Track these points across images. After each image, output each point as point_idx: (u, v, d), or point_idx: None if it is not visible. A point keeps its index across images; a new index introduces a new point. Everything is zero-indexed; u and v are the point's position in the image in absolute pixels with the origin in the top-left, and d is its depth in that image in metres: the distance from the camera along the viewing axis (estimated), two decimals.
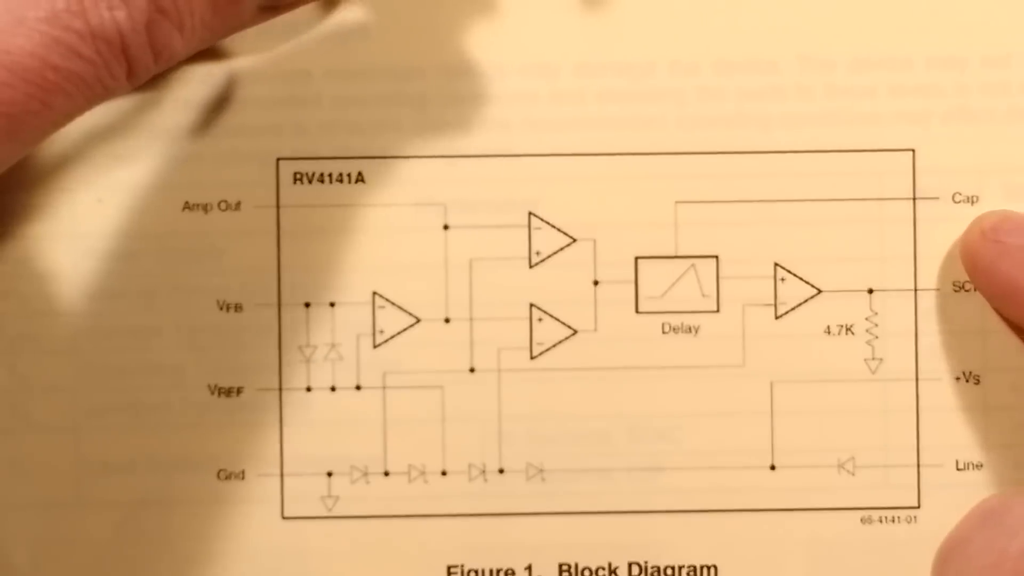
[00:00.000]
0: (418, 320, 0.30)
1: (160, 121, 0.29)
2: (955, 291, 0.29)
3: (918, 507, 0.30)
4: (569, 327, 0.30)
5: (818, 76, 0.29)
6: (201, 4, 0.25)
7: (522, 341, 0.30)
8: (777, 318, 0.30)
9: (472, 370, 0.30)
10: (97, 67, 0.24)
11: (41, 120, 0.24)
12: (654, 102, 0.29)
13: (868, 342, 0.30)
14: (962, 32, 0.29)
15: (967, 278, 0.29)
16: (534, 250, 0.30)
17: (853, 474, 0.30)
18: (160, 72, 0.25)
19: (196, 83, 0.29)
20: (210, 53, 0.29)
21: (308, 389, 0.29)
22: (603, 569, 0.30)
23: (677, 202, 0.30)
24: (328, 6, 0.29)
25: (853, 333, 0.30)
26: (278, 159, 0.29)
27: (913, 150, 0.30)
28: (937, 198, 0.30)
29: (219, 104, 0.29)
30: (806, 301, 0.30)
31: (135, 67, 0.25)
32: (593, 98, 0.29)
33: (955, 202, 0.29)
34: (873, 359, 0.30)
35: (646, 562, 0.30)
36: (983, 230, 0.29)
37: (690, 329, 0.30)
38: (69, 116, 0.25)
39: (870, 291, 0.30)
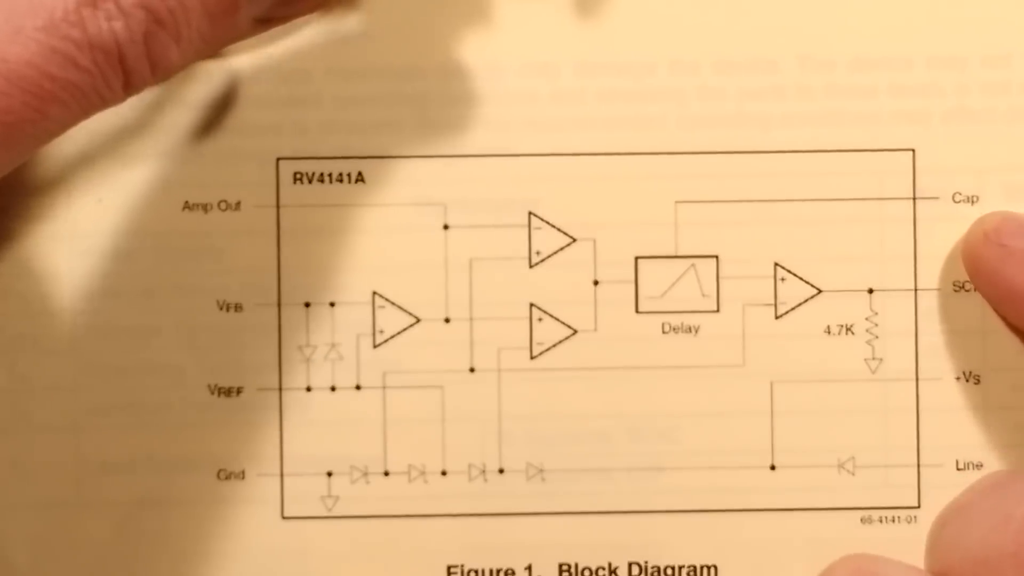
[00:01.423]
0: (418, 320, 0.29)
1: (160, 121, 0.29)
2: (955, 291, 0.29)
3: (918, 507, 0.29)
4: (569, 327, 0.29)
5: (818, 76, 0.29)
6: (198, 16, 0.25)
7: (522, 341, 0.29)
8: (777, 318, 0.29)
9: (472, 370, 0.29)
10: (94, 77, 0.24)
11: (37, 129, 0.24)
12: (654, 102, 0.29)
13: (868, 342, 0.29)
14: (962, 32, 0.29)
15: (967, 278, 0.29)
16: (534, 250, 0.29)
17: (853, 474, 0.29)
18: (156, 83, 0.25)
19: (196, 83, 0.29)
20: None
21: (308, 389, 0.29)
22: (603, 569, 0.29)
23: (677, 202, 0.29)
24: (328, 6, 0.29)
25: (853, 333, 0.29)
26: (278, 159, 0.29)
27: (913, 150, 0.29)
28: (937, 198, 0.29)
29: (219, 104, 0.29)
30: (806, 301, 0.29)
31: (132, 78, 0.25)
32: (593, 98, 0.29)
33: (955, 202, 0.29)
34: (873, 359, 0.29)
35: (646, 562, 0.29)
36: (986, 232, 0.28)
37: (690, 329, 0.29)
38: (65, 125, 0.25)
39: (870, 291, 0.29)
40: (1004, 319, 0.29)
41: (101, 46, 0.24)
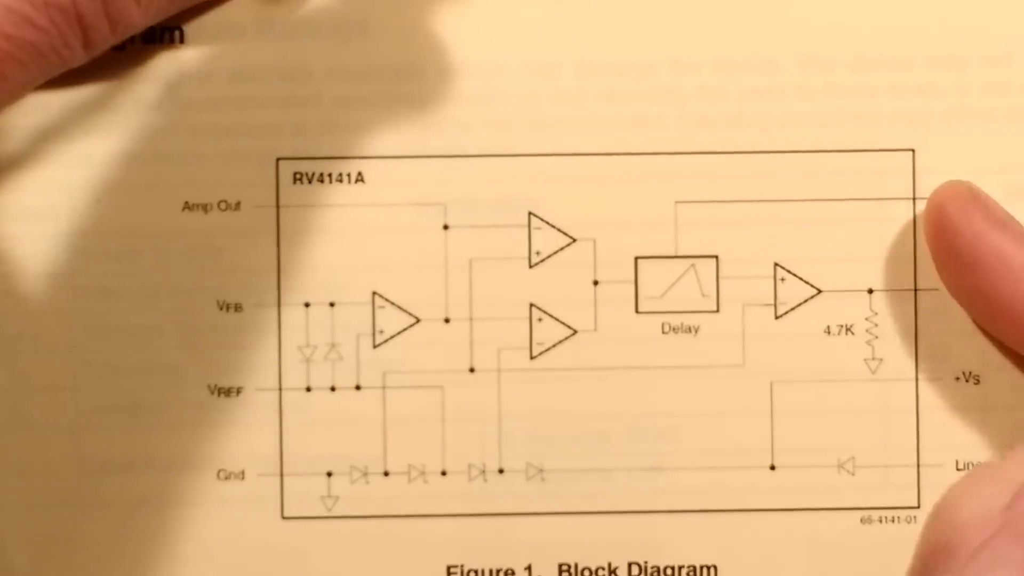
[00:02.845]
0: (418, 320, 0.29)
1: (160, 121, 0.29)
2: None
3: (918, 507, 0.29)
4: (569, 327, 0.29)
5: (818, 76, 0.29)
6: None
7: (522, 341, 0.29)
8: (777, 318, 0.29)
9: (472, 370, 0.29)
10: (51, 36, 0.24)
11: None
12: (654, 102, 0.29)
13: (868, 342, 0.29)
14: (962, 32, 0.29)
15: None
16: (534, 250, 0.29)
17: (853, 474, 0.29)
18: (117, 42, 0.25)
19: (196, 82, 0.29)
20: (210, 51, 0.29)
21: (308, 389, 0.29)
22: (603, 569, 0.29)
23: (677, 202, 0.29)
24: (328, 5, 0.29)
25: (853, 333, 0.29)
26: (278, 159, 0.29)
27: (913, 150, 0.29)
28: None
29: (219, 104, 0.29)
30: (806, 301, 0.29)
31: (91, 36, 0.24)
32: (593, 98, 0.29)
33: None
34: (873, 359, 0.29)
35: (646, 562, 0.29)
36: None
37: (690, 329, 0.29)
38: (25, 86, 0.24)
39: (870, 291, 0.29)
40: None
41: (57, 5, 0.24)
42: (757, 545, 0.29)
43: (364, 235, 0.29)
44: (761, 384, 0.29)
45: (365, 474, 0.29)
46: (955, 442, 0.29)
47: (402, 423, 0.29)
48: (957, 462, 0.29)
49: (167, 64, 0.29)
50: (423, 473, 0.29)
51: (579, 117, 0.29)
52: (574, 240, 0.29)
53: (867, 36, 0.29)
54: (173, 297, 0.29)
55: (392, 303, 0.29)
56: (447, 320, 0.29)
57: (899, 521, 0.29)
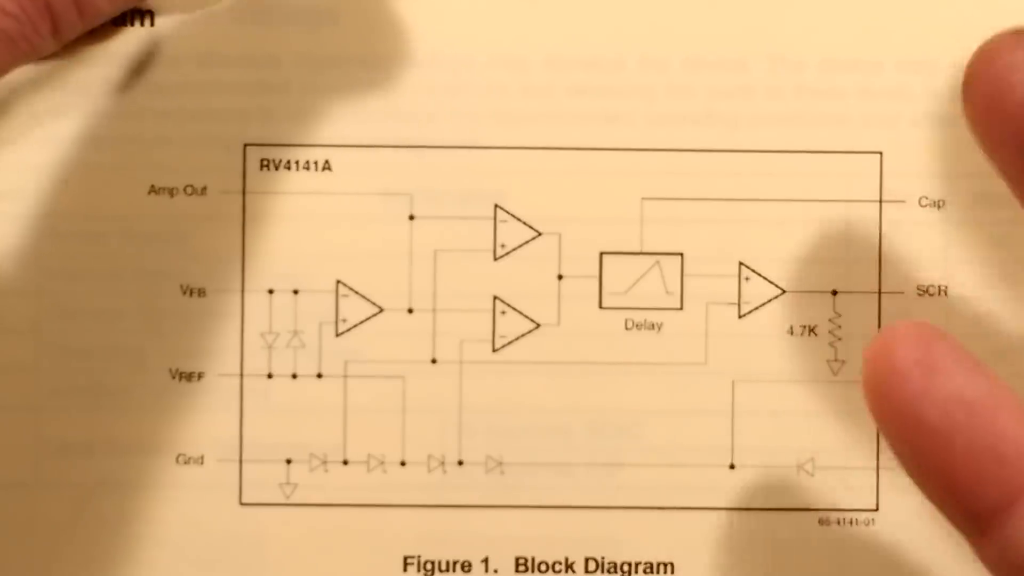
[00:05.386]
0: (381, 310, 0.29)
1: (128, 104, 0.28)
2: (919, 295, 0.29)
3: (876, 510, 0.29)
4: (532, 320, 0.29)
5: (788, 76, 0.29)
6: None
7: (485, 333, 0.29)
8: (740, 317, 0.29)
9: (434, 361, 0.29)
10: (21, 23, 0.24)
11: None
12: (623, 98, 0.29)
13: (831, 343, 0.29)
14: (932, 36, 0.28)
15: (931, 282, 0.29)
16: (499, 243, 0.29)
17: (812, 475, 0.29)
18: (88, 29, 0.25)
19: (165, 66, 0.29)
20: (179, 35, 0.29)
21: (269, 376, 0.29)
22: (560, 564, 0.29)
23: (643, 198, 0.29)
24: None
25: (816, 334, 0.29)
26: (245, 145, 0.29)
27: (881, 153, 0.29)
28: (903, 201, 0.29)
29: (188, 88, 0.29)
30: (770, 301, 0.29)
31: (60, 24, 0.24)
32: (562, 92, 0.29)
33: (921, 206, 0.29)
34: (835, 360, 0.29)
35: (603, 558, 0.29)
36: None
37: (653, 326, 0.29)
38: None
39: (834, 292, 0.29)
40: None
41: None
42: (714, 544, 0.29)
43: (329, 223, 0.29)
44: (723, 383, 0.29)
45: (324, 462, 0.29)
46: None
47: (363, 412, 0.29)
48: None
49: (136, 47, 0.28)
50: (382, 463, 0.29)
51: (547, 111, 0.29)
52: (539, 234, 0.29)
53: (837, 38, 0.29)
54: (137, 280, 0.29)
55: (356, 292, 0.29)
56: (410, 310, 0.29)
57: (857, 523, 0.29)
